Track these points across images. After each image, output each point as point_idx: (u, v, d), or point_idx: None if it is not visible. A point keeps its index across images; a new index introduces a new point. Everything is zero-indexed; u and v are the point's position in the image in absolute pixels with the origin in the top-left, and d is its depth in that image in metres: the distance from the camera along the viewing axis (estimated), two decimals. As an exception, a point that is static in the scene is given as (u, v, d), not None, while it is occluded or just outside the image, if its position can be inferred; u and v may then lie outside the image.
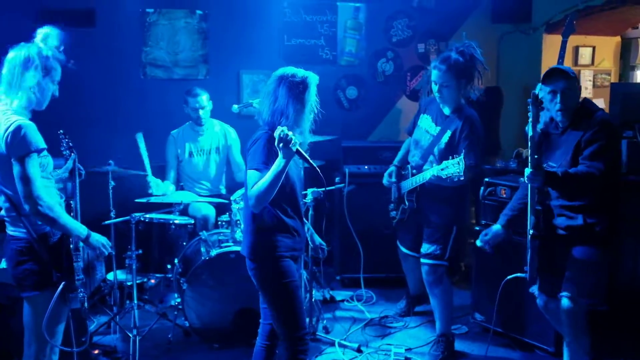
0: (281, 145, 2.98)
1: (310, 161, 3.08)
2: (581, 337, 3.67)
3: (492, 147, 5.75)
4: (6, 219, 3.11)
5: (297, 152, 3.03)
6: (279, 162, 3.02)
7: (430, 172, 4.11)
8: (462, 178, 3.80)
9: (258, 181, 3.07)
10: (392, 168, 4.73)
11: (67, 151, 3.34)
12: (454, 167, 3.83)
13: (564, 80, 3.56)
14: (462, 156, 3.80)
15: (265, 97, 3.26)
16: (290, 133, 2.98)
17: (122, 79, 5.96)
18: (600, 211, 3.58)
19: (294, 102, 3.17)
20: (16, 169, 2.92)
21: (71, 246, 3.11)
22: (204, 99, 5.40)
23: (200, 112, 5.41)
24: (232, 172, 5.67)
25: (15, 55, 3.02)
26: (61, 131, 3.29)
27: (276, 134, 2.97)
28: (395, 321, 5.09)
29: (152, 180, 5.13)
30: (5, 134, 2.90)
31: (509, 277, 3.90)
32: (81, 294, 3.14)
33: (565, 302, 3.62)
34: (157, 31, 6.06)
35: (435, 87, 4.29)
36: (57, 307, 3.05)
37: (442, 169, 3.92)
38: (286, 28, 6.43)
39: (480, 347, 4.56)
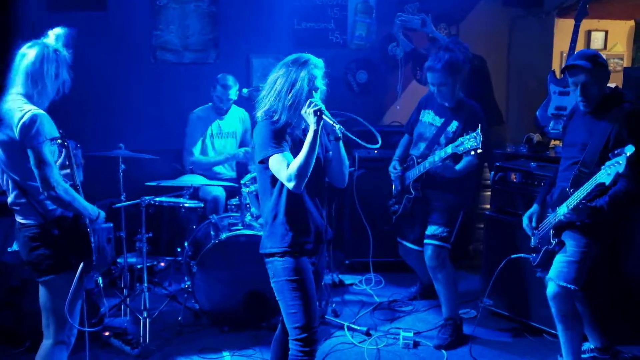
0: (312, 111, 2.93)
1: (333, 120, 2.98)
2: (570, 323, 3.65)
3: (494, 117, 5.65)
4: (15, 207, 3.15)
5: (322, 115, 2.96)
6: (312, 130, 2.94)
7: (443, 151, 4.10)
8: (479, 151, 3.82)
9: (285, 162, 2.97)
10: (394, 162, 4.74)
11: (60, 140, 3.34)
12: (470, 141, 3.85)
13: (584, 74, 3.50)
14: (479, 130, 3.83)
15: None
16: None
17: (132, 63, 5.96)
18: None
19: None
20: (32, 155, 2.98)
21: (87, 228, 3.17)
22: (235, 91, 5.50)
23: (228, 103, 5.55)
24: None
25: (31, 51, 3.09)
26: None
27: (307, 103, 2.96)
28: (404, 305, 5.11)
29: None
30: (20, 123, 2.96)
31: (513, 256, 3.94)
32: (95, 275, 3.21)
33: (551, 286, 3.63)
34: (168, 14, 6.05)
35: (433, 88, 4.37)
36: (75, 287, 3.11)
37: (457, 145, 3.94)
38: (296, 12, 6.39)
39: (489, 332, 4.57)
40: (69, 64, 3.21)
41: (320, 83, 3.09)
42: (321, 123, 2.95)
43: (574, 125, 3.77)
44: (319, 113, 2.93)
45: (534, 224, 3.85)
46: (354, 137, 3.07)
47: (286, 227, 3.08)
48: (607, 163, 3.17)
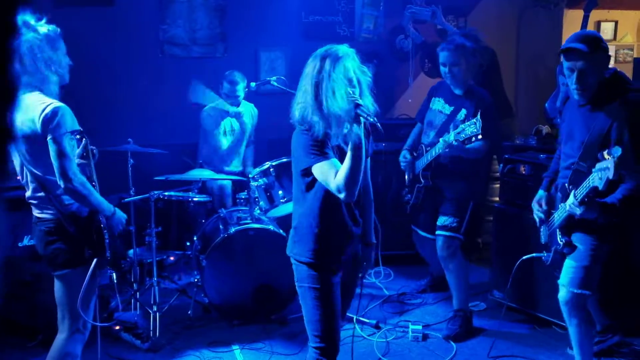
0: (356, 113, 2.68)
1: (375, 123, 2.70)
2: (584, 328, 3.55)
3: (504, 110, 5.60)
4: (33, 201, 3.17)
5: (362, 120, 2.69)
6: (356, 134, 2.69)
7: (446, 138, 4.07)
8: (480, 137, 3.80)
9: (331, 169, 2.75)
10: (404, 151, 4.73)
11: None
12: (471, 127, 3.83)
13: (582, 59, 3.27)
14: (478, 116, 3.81)
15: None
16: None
17: (140, 57, 5.96)
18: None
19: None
20: (53, 147, 2.99)
21: (101, 224, 3.19)
22: (242, 87, 5.44)
23: (237, 100, 5.47)
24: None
25: (26, 41, 3.03)
26: None
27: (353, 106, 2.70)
28: (413, 298, 5.11)
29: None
30: (42, 115, 2.97)
31: (525, 257, 3.89)
32: (109, 270, 3.23)
33: (563, 291, 3.52)
34: (175, 9, 6.05)
35: (444, 69, 4.35)
36: (89, 282, 3.13)
37: (458, 132, 3.93)
38: (304, 5, 6.38)
39: (498, 324, 4.57)
40: (58, 36, 3.14)
41: (360, 75, 2.88)
42: (362, 123, 2.68)
43: (570, 113, 3.58)
44: (356, 111, 2.68)
45: (544, 207, 3.68)
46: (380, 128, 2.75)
47: (317, 237, 2.89)
48: (598, 166, 3.02)
